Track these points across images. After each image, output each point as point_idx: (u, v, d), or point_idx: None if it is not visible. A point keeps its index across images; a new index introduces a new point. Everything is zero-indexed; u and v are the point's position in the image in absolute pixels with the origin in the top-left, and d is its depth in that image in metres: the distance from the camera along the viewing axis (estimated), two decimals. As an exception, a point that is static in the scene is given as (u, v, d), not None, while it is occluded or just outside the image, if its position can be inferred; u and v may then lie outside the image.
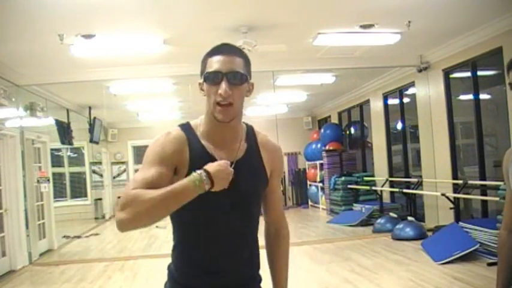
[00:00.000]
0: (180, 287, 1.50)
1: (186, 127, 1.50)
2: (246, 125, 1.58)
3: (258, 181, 1.52)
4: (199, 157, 1.42)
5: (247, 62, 1.47)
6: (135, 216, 1.26)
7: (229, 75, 1.40)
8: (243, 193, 1.47)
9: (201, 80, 1.46)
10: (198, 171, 1.29)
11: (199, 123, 1.51)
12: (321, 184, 11.61)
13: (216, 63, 1.41)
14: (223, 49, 1.44)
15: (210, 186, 1.29)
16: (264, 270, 1.65)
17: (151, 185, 1.32)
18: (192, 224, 1.48)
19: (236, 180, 1.38)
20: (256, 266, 1.60)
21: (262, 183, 1.54)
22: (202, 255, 1.48)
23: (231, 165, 1.37)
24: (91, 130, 9.70)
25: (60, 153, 11.53)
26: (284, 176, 13.16)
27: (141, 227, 1.30)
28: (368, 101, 9.83)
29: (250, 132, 1.57)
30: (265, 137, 1.60)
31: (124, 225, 1.29)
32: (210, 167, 1.31)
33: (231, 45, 1.48)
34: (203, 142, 1.47)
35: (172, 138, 1.45)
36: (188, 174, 1.33)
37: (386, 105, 9.15)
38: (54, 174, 9.46)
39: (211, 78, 1.41)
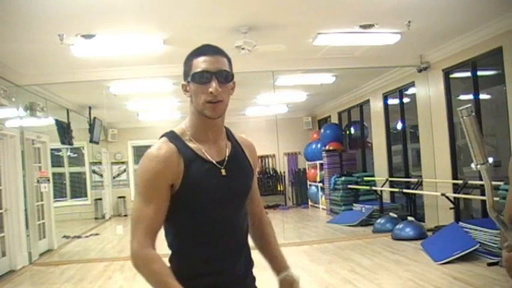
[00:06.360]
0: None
1: (172, 136, 1.51)
2: (224, 126, 1.63)
3: (247, 175, 1.59)
4: (193, 161, 1.47)
5: (230, 62, 1.52)
6: (139, 272, 1.42)
7: (217, 74, 1.45)
8: (237, 188, 1.52)
9: (185, 82, 1.50)
10: None
11: (184, 128, 1.53)
12: (321, 184, 11.61)
13: (203, 63, 1.45)
14: (207, 50, 1.49)
15: None
16: (258, 270, 1.65)
17: (153, 228, 1.42)
18: (190, 224, 1.49)
19: (229, 176, 1.48)
20: (251, 262, 1.61)
21: (250, 176, 1.61)
22: (202, 255, 1.48)
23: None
24: (91, 130, 9.69)
25: (60, 153, 11.52)
26: (284, 176, 13.17)
27: None
28: (368, 101, 9.82)
29: (229, 132, 1.63)
30: (241, 136, 1.67)
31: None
32: None
33: (214, 45, 1.52)
34: (192, 146, 1.50)
35: (163, 156, 1.44)
36: (183, 181, 1.42)
37: (386, 105, 9.15)
38: (54, 174, 9.46)
39: (201, 78, 1.45)
